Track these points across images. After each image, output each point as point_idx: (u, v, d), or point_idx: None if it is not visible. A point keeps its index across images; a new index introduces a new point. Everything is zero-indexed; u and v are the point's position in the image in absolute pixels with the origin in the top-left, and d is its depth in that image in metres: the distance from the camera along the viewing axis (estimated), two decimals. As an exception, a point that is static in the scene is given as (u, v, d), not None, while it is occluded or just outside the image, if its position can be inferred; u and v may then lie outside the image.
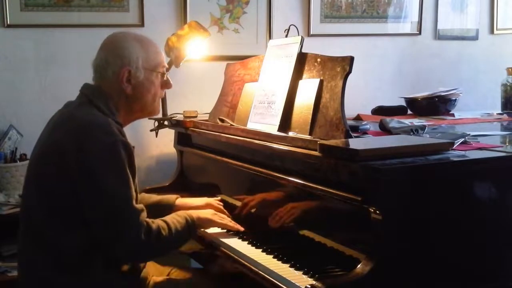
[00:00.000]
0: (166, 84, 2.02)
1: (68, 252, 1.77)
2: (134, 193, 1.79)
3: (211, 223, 2.04)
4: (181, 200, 2.23)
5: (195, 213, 1.99)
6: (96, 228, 1.76)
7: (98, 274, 1.80)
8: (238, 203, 2.26)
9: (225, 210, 2.17)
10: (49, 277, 1.78)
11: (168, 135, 2.94)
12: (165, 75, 2.00)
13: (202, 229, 2.06)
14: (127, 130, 3.00)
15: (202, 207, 2.16)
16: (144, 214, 1.79)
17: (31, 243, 1.83)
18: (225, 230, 2.08)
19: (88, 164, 1.72)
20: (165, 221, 1.86)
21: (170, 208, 2.16)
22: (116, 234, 1.75)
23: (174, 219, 1.90)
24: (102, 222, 1.74)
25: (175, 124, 2.73)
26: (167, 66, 2.01)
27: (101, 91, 1.90)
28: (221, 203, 2.22)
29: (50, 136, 1.83)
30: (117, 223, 1.74)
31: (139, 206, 1.79)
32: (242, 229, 2.05)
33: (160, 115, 2.82)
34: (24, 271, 1.88)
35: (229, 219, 2.10)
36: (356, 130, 2.11)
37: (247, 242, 1.96)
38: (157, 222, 1.83)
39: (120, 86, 1.89)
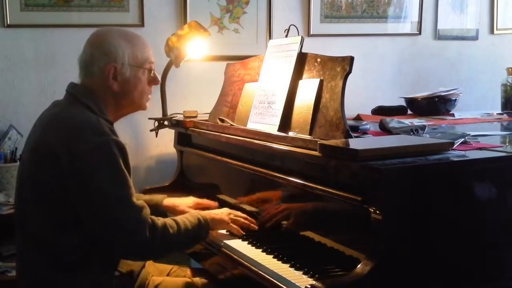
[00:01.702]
0: (153, 80, 1.97)
1: (66, 252, 1.76)
2: (133, 191, 1.76)
3: (225, 224, 2.02)
4: (168, 200, 2.23)
5: (208, 214, 1.98)
6: (97, 230, 1.74)
7: (96, 274, 1.79)
8: (239, 203, 2.26)
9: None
10: (47, 276, 1.77)
11: (168, 135, 2.94)
12: (152, 71, 1.96)
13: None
14: (127, 129, 3.05)
15: (191, 208, 2.18)
16: (146, 211, 1.76)
17: (28, 243, 1.82)
18: (225, 230, 2.06)
19: (81, 166, 1.70)
20: (174, 220, 1.85)
21: (157, 208, 2.16)
22: (119, 234, 1.72)
23: (185, 218, 1.89)
24: (103, 224, 1.72)
25: (175, 124, 2.73)
26: (154, 61, 1.96)
27: (88, 89, 1.87)
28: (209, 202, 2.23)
29: (40, 137, 1.80)
30: (119, 223, 1.71)
31: (140, 202, 1.76)
32: (256, 227, 2.03)
33: (160, 115, 2.83)
34: (22, 271, 1.87)
35: (244, 218, 2.05)
36: (356, 130, 2.11)
37: (247, 242, 1.96)
38: (163, 220, 1.81)
39: (107, 83, 1.86)
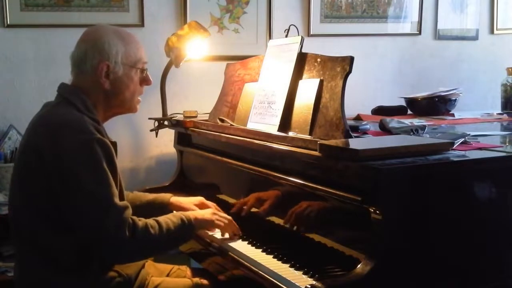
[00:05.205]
0: (145, 81, 1.96)
1: (61, 253, 1.75)
2: (115, 190, 1.74)
3: (210, 223, 2.00)
4: (175, 199, 2.20)
5: (192, 214, 1.96)
6: (79, 228, 1.73)
7: (95, 274, 1.79)
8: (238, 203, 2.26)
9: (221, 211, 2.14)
10: (44, 278, 1.76)
11: (168, 135, 2.94)
12: (145, 71, 1.95)
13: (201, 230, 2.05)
14: (127, 129, 3.05)
15: (197, 206, 2.15)
16: (128, 212, 1.74)
17: (24, 245, 1.82)
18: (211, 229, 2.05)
19: (63, 164, 1.69)
20: (156, 220, 1.82)
21: (164, 206, 2.15)
22: (99, 233, 1.70)
23: (168, 218, 1.86)
24: (83, 222, 1.71)
25: (175, 124, 2.73)
26: (147, 61, 1.96)
27: (78, 88, 1.86)
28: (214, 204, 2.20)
29: (28, 139, 1.80)
30: (98, 222, 1.69)
31: (122, 203, 1.75)
32: (240, 233, 2.03)
33: (160, 115, 2.83)
34: (19, 273, 1.86)
35: (229, 220, 2.04)
36: (356, 130, 2.11)
37: (247, 242, 1.96)
38: (145, 220, 1.79)
39: (98, 81, 1.85)
